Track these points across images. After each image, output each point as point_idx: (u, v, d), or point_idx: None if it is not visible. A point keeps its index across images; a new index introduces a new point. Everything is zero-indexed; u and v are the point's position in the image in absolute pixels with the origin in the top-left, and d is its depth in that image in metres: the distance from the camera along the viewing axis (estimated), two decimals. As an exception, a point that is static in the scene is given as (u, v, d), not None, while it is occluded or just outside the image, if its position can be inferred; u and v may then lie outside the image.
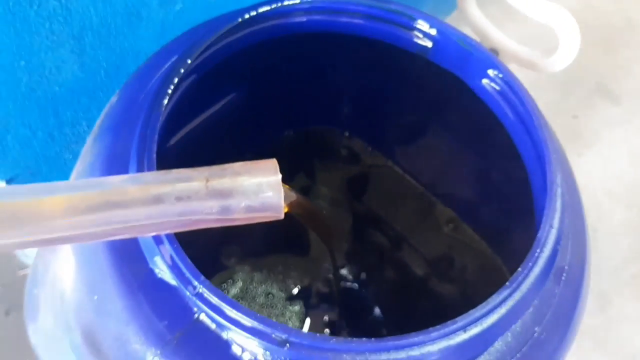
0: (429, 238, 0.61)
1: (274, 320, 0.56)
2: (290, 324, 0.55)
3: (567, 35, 0.43)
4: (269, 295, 0.55)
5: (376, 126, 0.59)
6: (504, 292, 0.32)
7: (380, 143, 0.61)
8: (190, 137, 0.48)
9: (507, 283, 0.32)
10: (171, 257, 0.30)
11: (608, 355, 0.76)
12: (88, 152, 0.37)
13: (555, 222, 0.35)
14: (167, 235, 0.30)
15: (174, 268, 0.30)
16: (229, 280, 0.55)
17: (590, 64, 0.96)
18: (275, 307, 0.55)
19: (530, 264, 0.33)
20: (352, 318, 0.59)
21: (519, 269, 0.33)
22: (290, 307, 0.55)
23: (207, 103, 0.48)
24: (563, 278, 0.37)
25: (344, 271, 0.60)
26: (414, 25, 0.41)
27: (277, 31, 0.39)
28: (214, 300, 0.29)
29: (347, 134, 0.62)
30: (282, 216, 0.29)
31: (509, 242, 0.54)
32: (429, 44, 0.41)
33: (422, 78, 0.45)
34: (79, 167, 0.38)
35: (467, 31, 0.44)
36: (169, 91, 0.34)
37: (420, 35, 0.41)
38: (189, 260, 0.30)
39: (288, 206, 0.34)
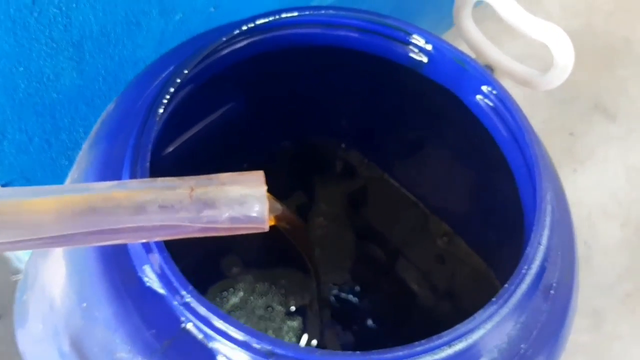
0: (423, 251, 0.61)
1: (271, 333, 0.56)
2: (286, 339, 0.54)
3: (562, 54, 0.43)
4: (269, 308, 0.55)
5: (372, 139, 0.60)
6: (490, 308, 0.32)
7: (377, 155, 0.61)
8: (187, 146, 0.48)
9: (493, 299, 0.32)
10: (160, 265, 0.30)
11: (601, 373, 0.76)
12: (83, 158, 0.38)
13: (544, 239, 0.35)
14: (157, 244, 0.30)
15: (162, 277, 0.30)
16: (230, 289, 0.55)
17: (588, 82, 0.97)
18: (274, 320, 0.54)
19: (517, 280, 0.33)
20: (346, 331, 0.59)
21: (506, 285, 0.33)
22: (289, 322, 0.55)
23: (204, 112, 0.48)
24: (551, 295, 0.37)
25: (344, 286, 0.59)
26: (410, 40, 0.41)
27: (274, 43, 0.40)
28: (201, 310, 0.30)
29: (343, 145, 0.62)
30: (266, 228, 0.29)
31: (501, 256, 0.54)
32: (425, 59, 0.42)
33: (418, 92, 0.45)
34: (74, 173, 0.38)
35: (464, 47, 0.45)
36: (165, 100, 0.34)
37: (416, 50, 0.41)
38: (177, 270, 0.30)
39: (275, 218, 0.33)
